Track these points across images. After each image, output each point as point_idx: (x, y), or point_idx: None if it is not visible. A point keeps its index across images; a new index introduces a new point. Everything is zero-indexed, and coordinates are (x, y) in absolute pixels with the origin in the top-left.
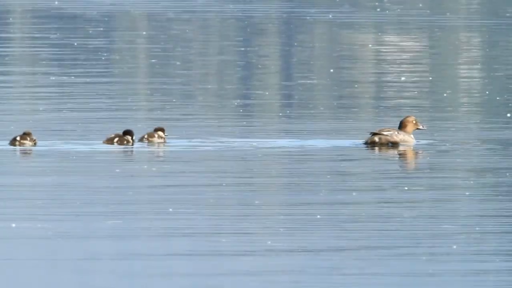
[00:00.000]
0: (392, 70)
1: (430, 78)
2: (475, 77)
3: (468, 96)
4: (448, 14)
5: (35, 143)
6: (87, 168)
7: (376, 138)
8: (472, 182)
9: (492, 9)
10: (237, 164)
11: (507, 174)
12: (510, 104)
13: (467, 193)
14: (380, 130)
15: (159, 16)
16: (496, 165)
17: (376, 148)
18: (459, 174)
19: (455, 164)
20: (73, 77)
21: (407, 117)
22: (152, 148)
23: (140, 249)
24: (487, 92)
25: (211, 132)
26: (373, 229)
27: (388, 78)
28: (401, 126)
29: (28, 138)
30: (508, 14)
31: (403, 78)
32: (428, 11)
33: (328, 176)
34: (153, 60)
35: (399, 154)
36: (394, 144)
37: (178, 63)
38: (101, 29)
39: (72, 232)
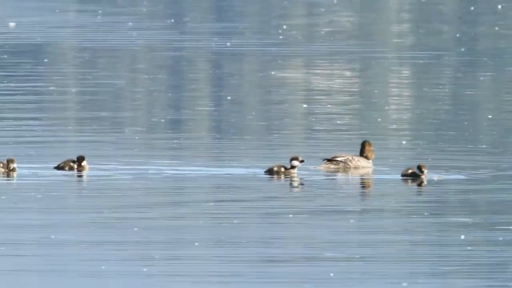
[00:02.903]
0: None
1: (332, 107)
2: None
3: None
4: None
5: (9, 170)
6: None
7: (410, 170)
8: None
9: (420, 41)
10: (168, 192)
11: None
12: (406, 132)
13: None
14: (334, 157)
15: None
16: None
17: (410, 180)
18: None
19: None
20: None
21: (364, 141)
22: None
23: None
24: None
25: (133, 159)
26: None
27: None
28: (362, 151)
29: (1, 164)
30: (433, 46)
31: (305, 105)
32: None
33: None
34: (63, 88)
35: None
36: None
37: (76, 89)
38: (5, 57)
39: None
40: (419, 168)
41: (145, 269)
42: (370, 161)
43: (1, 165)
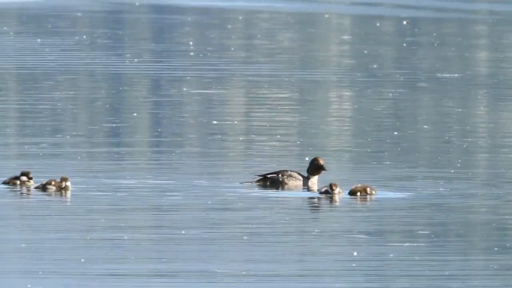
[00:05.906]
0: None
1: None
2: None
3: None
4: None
5: (61, 188)
6: None
7: (324, 188)
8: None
9: (362, 64)
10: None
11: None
12: (310, 149)
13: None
14: (267, 173)
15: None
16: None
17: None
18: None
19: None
20: None
21: (315, 158)
22: None
23: None
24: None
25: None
26: None
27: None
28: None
29: (53, 182)
30: (378, 68)
31: (244, 122)
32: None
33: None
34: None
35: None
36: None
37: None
38: None
39: None
40: (331, 186)
41: None
42: (314, 177)
43: (53, 182)
